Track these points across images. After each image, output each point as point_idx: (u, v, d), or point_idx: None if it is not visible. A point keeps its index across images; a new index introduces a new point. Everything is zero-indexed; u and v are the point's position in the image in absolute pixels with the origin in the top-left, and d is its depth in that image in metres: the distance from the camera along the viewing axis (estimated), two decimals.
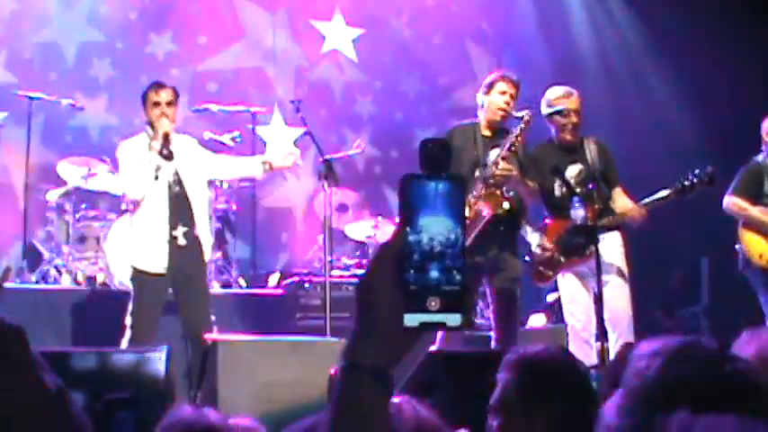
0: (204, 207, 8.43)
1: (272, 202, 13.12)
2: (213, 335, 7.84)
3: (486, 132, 8.16)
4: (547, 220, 8.36)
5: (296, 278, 10.46)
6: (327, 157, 8.96)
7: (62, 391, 1.44)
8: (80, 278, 10.37)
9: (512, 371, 3.31)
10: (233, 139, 11.16)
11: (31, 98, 11.11)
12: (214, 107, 11.59)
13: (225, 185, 11.03)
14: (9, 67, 12.71)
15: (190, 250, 8.15)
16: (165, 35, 13.26)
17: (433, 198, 1.62)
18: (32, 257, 10.79)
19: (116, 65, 13.01)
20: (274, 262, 12.89)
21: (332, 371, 6.01)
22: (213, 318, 8.32)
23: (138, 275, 8.16)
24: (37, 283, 10.30)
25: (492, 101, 8.16)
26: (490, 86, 8.24)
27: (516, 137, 7.98)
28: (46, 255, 10.69)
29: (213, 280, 10.50)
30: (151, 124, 8.17)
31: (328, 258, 9.09)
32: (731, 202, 8.80)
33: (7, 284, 10.03)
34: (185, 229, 8.11)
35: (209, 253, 8.46)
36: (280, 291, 10.60)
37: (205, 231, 8.35)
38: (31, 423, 1.38)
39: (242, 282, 11.03)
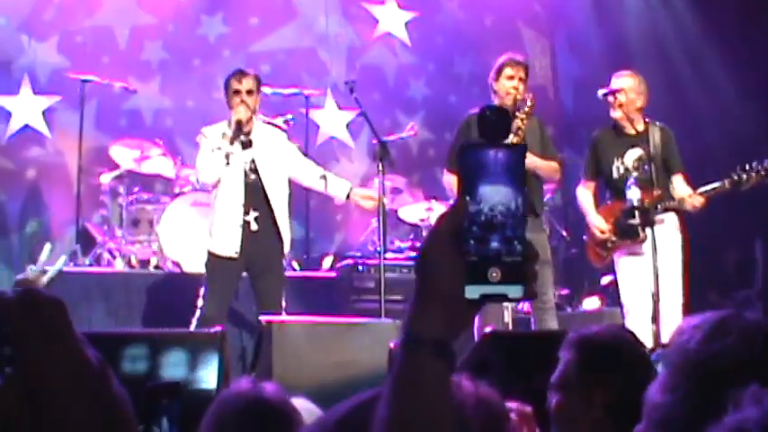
0: (283, 198, 8.44)
1: None
2: (268, 317, 7.80)
3: None
4: (608, 203, 8.45)
5: (350, 261, 10.40)
6: (382, 138, 8.89)
7: (103, 365, 1.41)
8: (133, 261, 10.37)
9: (573, 349, 3.30)
10: (286, 121, 11.12)
11: (84, 81, 11.15)
12: (267, 90, 11.53)
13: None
14: (62, 51, 12.75)
15: (264, 237, 8.20)
16: (216, 17, 13.24)
17: (493, 167, 1.58)
18: (86, 241, 10.83)
19: (168, 47, 13.01)
20: (329, 244, 12.87)
21: (392, 344, 5.98)
22: (284, 304, 8.33)
23: (211, 258, 8.22)
24: (90, 266, 10.32)
25: (501, 86, 8.28)
26: (498, 72, 8.35)
27: (522, 120, 8.03)
28: (99, 238, 10.71)
29: None
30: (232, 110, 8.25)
31: (382, 241, 9.03)
32: None
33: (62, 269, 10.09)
34: (257, 214, 8.16)
35: (287, 243, 8.44)
36: (333, 273, 10.57)
37: (284, 221, 8.36)
38: (72, 394, 1.36)
39: (296, 265, 11.00)
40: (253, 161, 8.21)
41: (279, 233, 8.28)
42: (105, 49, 12.84)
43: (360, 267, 10.17)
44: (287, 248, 8.48)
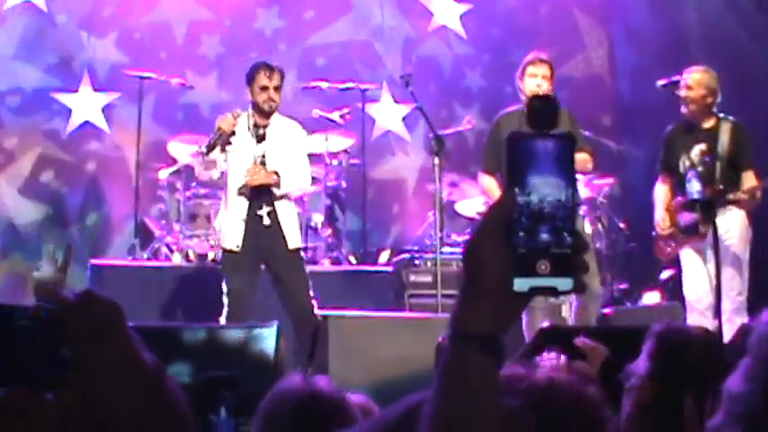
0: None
1: (381, 176, 13.05)
2: (324, 312, 7.82)
3: None
4: (678, 198, 8.44)
5: (406, 255, 10.39)
6: (438, 132, 8.88)
7: (158, 367, 1.41)
8: (191, 255, 10.43)
9: (655, 341, 3.29)
10: (342, 116, 11.16)
11: (141, 77, 11.24)
12: (324, 84, 11.58)
13: (334, 162, 11.02)
14: (120, 47, 12.84)
15: (274, 232, 8.26)
16: (272, 10, 13.27)
17: (542, 157, 1.56)
18: (144, 235, 10.91)
19: (225, 42, 13.06)
20: (385, 237, 12.86)
21: (439, 339, 5.96)
22: (312, 293, 8.38)
23: (225, 254, 8.35)
24: (148, 260, 10.40)
25: (525, 86, 8.42)
26: (522, 71, 8.54)
27: None
28: (157, 232, 10.78)
29: (323, 258, 10.53)
30: (254, 104, 8.33)
31: (439, 235, 9.02)
32: None
33: (115, 262, 10.18)
34: (270, 209, 8.23)
35: (291, 240, 8.43)
36: (390, 267, 10.55)
37: (287, 217, 8.40)
38: (128, 395, 1.37)
39: (352, 259, 11.02)
40: (263, 155, 8.28)
41: (281, 228, 8.31)
42: (163, 45, 12.92)
43: (416, 261, 10.16)
44: (292, 245, 8.43)
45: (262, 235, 8.24)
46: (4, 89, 12.60)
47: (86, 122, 12.61)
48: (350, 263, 10.84)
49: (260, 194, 8.28)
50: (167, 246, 10.52)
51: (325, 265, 10.47)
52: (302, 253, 8.79)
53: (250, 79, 8.43)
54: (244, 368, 5.99)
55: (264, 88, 8.30)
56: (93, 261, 10.33)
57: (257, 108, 8.37)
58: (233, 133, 8.28)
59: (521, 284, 1.53)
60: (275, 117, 8.47)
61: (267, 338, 6.23)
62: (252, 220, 8.23)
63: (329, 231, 10.81)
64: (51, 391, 1.36)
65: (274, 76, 8.38)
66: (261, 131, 8.32)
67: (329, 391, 2.95)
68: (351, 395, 3.21)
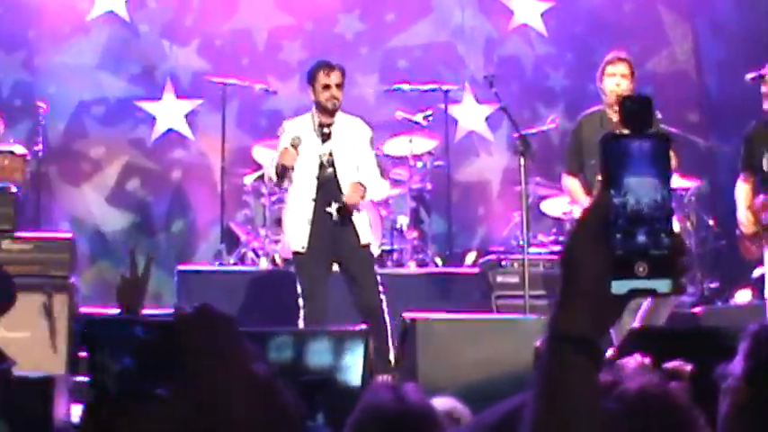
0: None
1: (466, 177, 13.01)
2: (411, 315, 7.80)
3: (613, 117, 8.10)
4: (761, 195, 8.30)
5: (492, 256, 10.34)
6: (523, 132, 8.84)
7: (272, 379, 1.42)
8: (277, 260, 10.46)
9: (750, 341, 3.23)
10: (425, 117, 11.14)
11: (224, 84, 11.32)
12: (406, 86, 11.58)
13: (419, 164, 11.01)
14: (202, 55, 12.94)
15: (345, 228, 8.28)
16: (352, 14, 13.28)
17: (638, 158, 1.54)
18: (230, 240, 10.97)
19: (306, 47, 13.08)
20: (471, 239, 12.81)
21: (537, 342, 5.91)
22: (381, 290, 8.37)
23: (295, 255, 8.38)
24: (235, 265, 10.45)
25: (605, 86, 8.37)
26: (602, 72, 8.49)
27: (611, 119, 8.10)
28: (243, 237, 10.84)
29: (409, 260, 10.52)
30: (317, 103, 8.37)
31: (526, 235, 8.97)
32: None
33: (202, 267, 10.25)
34: (339, 205, 8.23)
35: (364, 237, 8.44)
36: (476, 269, 10.50)
37: (358, 216, 8.40)
38: (241, 408, 1.37)
39: (438, 261, 10.99)
40: (330, 154, 8.30)
41: (353, 224, 8.31)
42: (244, 51, 12.99)
43: (503, 263, 10.10)
44: (363, 240, 8.42)
45: (332, 232, 8.28)
46: (89, 99, 12.75)
47: (170, 130, 12.74)
48: (436, 265, 10.82)
49: (327, 192, 8.30)
50: (254, 250, 10.57)
51: (411, 268, 10.46)
52: (372, 250, 8.74)
53: (311, 79, 8.46)
54: (333, 372, 6.00)
55: (327, 86, 8.32)
56: (180, 267, 10.40)
57: (320, 107, 8.39)
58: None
59: (619, 287, 1.52)
60: (339, 115, 8.50)
61: (357, 342, 6.23)
62: (319, 218, 8.24)
63: (415, 234, 10.81)
64: (167, 401, 1.38)
65: (335, 73, 8.40)
66: (326, 130, 8.35)
67: (417, 399, 2.92)
68: (440, 400, 3.18)
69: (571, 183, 8.66)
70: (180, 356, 1.38)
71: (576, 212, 10.58)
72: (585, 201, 8.27)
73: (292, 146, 8.18)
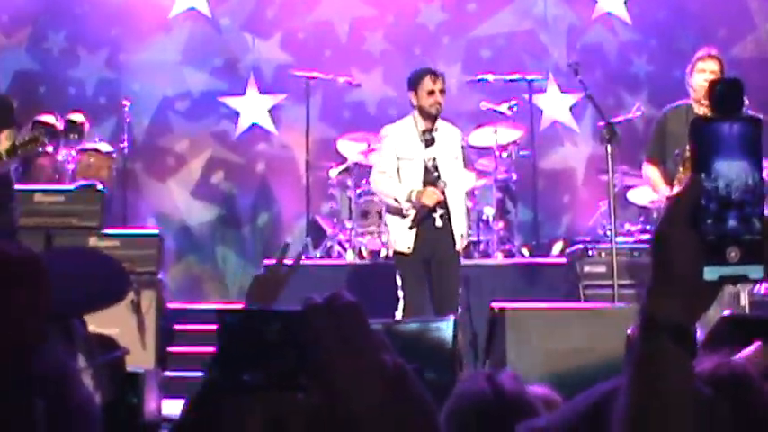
0: (460, 196, 8.62)
1: (551, 166, 12.93)
2: (500, 304, 7.76)
3: (700, 112, 8.00)
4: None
5: (579, 246, 10.24)
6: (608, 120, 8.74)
7: (401, 368, 1.42)
8: (363, 252, 10.45)
9: None
10: (510, 107, 11.07)
11: (308, 77, 11.34)
12: (490, 77, 11.52)
13: (504, 154, 10.95)
14: (285, 48, 12.98)
15: (445, 233, 8.36)
16: (434, 4, 13.26)
17: (728, 141, 1.51)
18: (316, 233, 10.99)
19: (388, 38, 13.07)
20: (557, 228, 12.73)
21: (629, 330, 5.82)
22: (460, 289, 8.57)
23: (398, 256, 8.47)
24: (321, 258, 10.45)
25: (694, 81, 8.25)
26: (692, 68, 8.33)
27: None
28: (329, 230, 10.85)
29: (496, 251, 10.47)
30: (420, 109, 8.43)
31: (613, 224, 8.86)
32: None
33: (288, 261, 10.23)
34: (442, 211, 8.31)
35: (459, 240, 8.52)
36: (563, 259, 10.42)
37: (459, 218, 8.50)
38: (371, 398, 1.38)
39: (525, 251, 10.92)
40: (434, 159, 8.38)
41: (452, 230, 8.41)
42: (327, 44, 13.01)
43: (590, 252, 10.00)
44: (459, 245, 8.53)
45: (433, 235, 8.35)
46: (173, 94, 12.86)
47: (254, 124, 12.80)
48: (522, 255, 10.75)
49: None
50: (339, 243, 10.58)
51: (498, 258, 10.42)
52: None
53: (415, 84, 8.50)
54: (421, 362, 5.98)
55: (431, 92, 8.39)
56: (267, 261, 10.41)
57: (423, 112, 8.44)
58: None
59: (711, 273, 1.49)
60: (439, 121, 8.57)
61: (444, 331, 6.20)
62: (424, 222, 8.33)
63: (501, 224, 10.76)
64: (300, 391, 1.39)
65: (439, 80, 8.48)
66: (429, 136, 8.43)
67: (512, 386, 2.89)
68: (534, 387, 3.15)
69: (651, 171, 8.59)
70: (311, 347, 1.38)
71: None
72: (665, 190, 8.24)
73: (440, 191, 8.33)
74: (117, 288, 1.52)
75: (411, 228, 8.31)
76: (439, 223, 8.32)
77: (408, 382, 1.41)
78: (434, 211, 8.29)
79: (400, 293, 8.37)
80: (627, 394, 1.53)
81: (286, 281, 4.24)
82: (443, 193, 8.31)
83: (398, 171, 8.40)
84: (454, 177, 8.48)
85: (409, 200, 8.28)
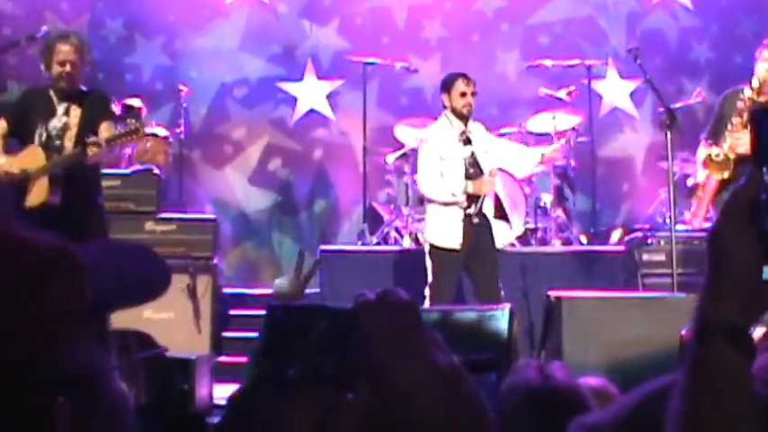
0: (498, 188, 9.14)
1: (611, 154, 12.82)
2: (556, 293, 7.72)
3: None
4: None
5: (638, 234, 10.14)
6: (670, 106, 8.66)
7: (456, 369, 1.38)
8: (420, 239, 10.41)
9: None
10: (569, 93, 10.98)
11: (365, 63, 11.31)
12: (548, 63, 11.44)
13: (562, 141, 10.85)
14: (342, 34, 12.96)
15: (483, 228, 8.64)
16: None
17: None
18: (373, 220, 10.98)
19: (446, 25, 13.01)
20: (616, 216, 12.64)
21: (683, 332, 5.74)
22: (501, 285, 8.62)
23: (434, 250, 8.65)
24: (378, 244, 10.44)
25: (757, 69, 8.39)
26: (759, 54, 8.42)
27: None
28: (386, 217, 10.83)
29: (554, 238, 10.40)
30: (454, 110, 8.75)
31: (673, 212, 8.77)
32: None
33: (345, 247, 10.24)
34: (479, 207, 8.59)
35: (499, 240, 8.94)
36: (622, 247, 10.32)
37: (491, 214, 8.80)
38: (425, 399, 1.34)
39: (583, 239, 10.84)
40: (472, 154, 8.68)
41: (490, 223, 8.74)
42: (384, 30, 12.98)
43: (649, 240, 9.90)
44: (498, 245, 8.90)
45: (472, 232, 8.58)
46: (231, 81, 12.89)
47: (312, 110, 12.80)
48: (580, 243, 10.66)
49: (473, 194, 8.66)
50: (396, 230, 10.55)
51: (556, 246, 10.35)
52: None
53: (449, 87, 8.83)
54: (477, 350, 5.95)
55: (464, 94, 8.72)
56: (323, 247, 10.43)
57: (457, 113, 8.75)
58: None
59: None
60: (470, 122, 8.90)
61: (500, 320, 6.16)
62: (467, 219, 8.59)
63: (559, 211, 10.68)
64: (349, 389, 1.36)
65: (471, 83, 8.80)
66: (465, 135, 8.74)
67: (564, 378, 2.85)
68: (588, 378, 3.11)
69: (700, 151, 8.58)
70: (361, 344, 1.35)
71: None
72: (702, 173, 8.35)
73: (491, 176, 8.70)
74: (157, 283, 1.50)
75: (472, 216, 8.52)
76: (476, 219, 8.59)
77: (462, 381, 1.37)
78: (475, 203, 8.56)
79: (426, 291, 8.56)
80: (682, 398, 1.48)
81: (307, 284, 4.24)
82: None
83: (441, 172, 8.65)
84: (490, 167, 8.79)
85: (465, 192, 8.50)
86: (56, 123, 7.77)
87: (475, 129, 8.88)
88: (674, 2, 13.33)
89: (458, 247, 8.50)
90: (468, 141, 8.71)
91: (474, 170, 8.64)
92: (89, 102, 7.93)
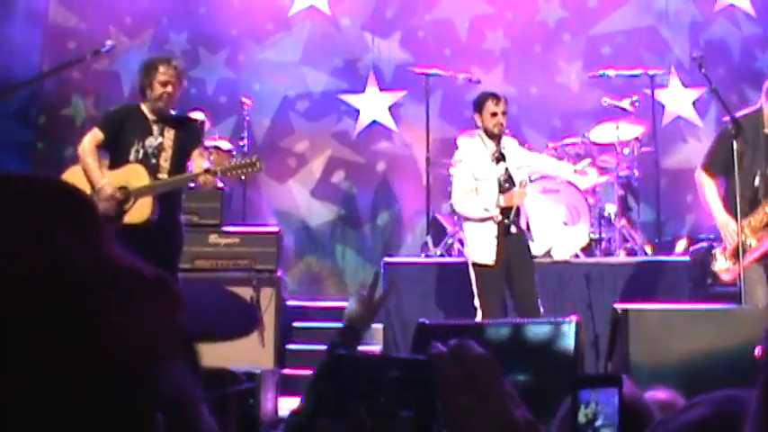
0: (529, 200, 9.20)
1: (674, 164, 12.72)
2: (623, 305, 7.68)
3: None
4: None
5: (704, 243, 10.04)
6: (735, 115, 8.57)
7: (532, 426, 1.38)
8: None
9: None
10: (632, 103, 10.92)
11: (427, 75, 11.31)
12: (611, 72, 11.38)
13: (626, 151, 10.81)
14: (405, 46, 12.99)
15: (519, 238, 8.80)
16: (553, 1, 13.14)
17: None
18: (436, 231, 10.97)
19: (508, 35, 13.00)
20: (680, 226, 12.53)
21: (757, 351, 5.68)
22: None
23: (475, 267, 8.78)
24: (441, 256, 10.43)
25: None
26: None
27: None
28: (449, 228, 10.83)
29: (619, 249, 10.34)
30: (485, 129, 8.96)
31: (741, 222, 8.69)
32: None
33: (409, 259, 10.21)
34: (515, 219, 8.73)
35: (535, 249, 9.07)
36: (687, 257, 10.23)
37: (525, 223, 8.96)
38: None
39: (648, 249, 10.76)
40: (506, 171, 8.86)
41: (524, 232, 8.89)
42: (447, 42, 13.00)
43: (713, 250, 9.81)
44: (534, 253, 9.06)
45: (510, 243, 8.71)
46: (294, 94, 12.96)
47: (374, 122, 12.84)
48: (645, 253, 10.58)
49: (508, 208, 8.78)
50: (460, 241, 10.52)
51: (621, 257, 10.27)
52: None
53: (480, 107, 9.02)
54: (546, 363, 5.94)
55: (494, 114, 8.91)
56: (387, 259, 10.44)
57: (488, 132, 8.95)
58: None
59: None
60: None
61: (567, 333, 6.15)
62: (503, 234, 8.70)
63: (623, 221, 10.62)
64: None
65: (501, 102, 8.99)
66: (498, 154, 8.93)
67: (629, 391, 2.83)
68: (656, 392, 3.09)
69: (703, 178, 8.55)
70: (434, 396, 1.34)
71: None
72: None
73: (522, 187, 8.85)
74: (247, 323, 1.51)
75: (506, 227, 8.68)
76: (513, 229, 8.72)
77: None
78: (508, 217, 8.70)
79: (476, 302, 8.68)
80: (757, 419, 1.45)
81: (378, 311, 4.22)
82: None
83: (476, 190, 8.82)
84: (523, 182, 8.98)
85: (498, 205, 8.69)
86: (152, 142, 7.87)
87: (508, 144, 9.09)
88: (737, 9, 13.22)
89: (491, 262, 8.63)
90: (501, 159, 8.90)
91: (508, 185, 8.82)
92: (183, 126, 8.07)
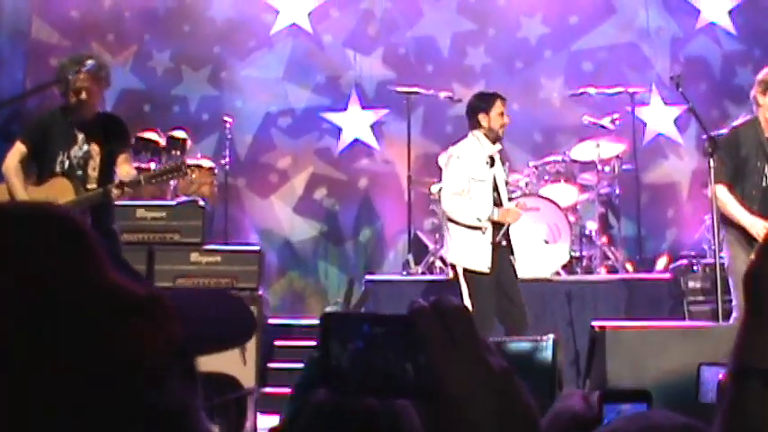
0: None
1: (655, 180, 12.77)
2: (600, 322, 7.70)
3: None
4: None
5: (684, 261, 10.10)
6: (712, 133, 8.62)
7: (508, 373, 1.36)
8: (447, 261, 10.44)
9: None
10: (612, 121, 10.96)
11: (409, 93, 11.33)
12: (592, 90, 11.43)
13: (606, 168, 10.85)
14: (386, 63, 13.01)
15: (507, 250, 8.59)
16: (535, 17, 13.17)
17: None
18: (418, 249, 10.97)
19: (490, 52, 13.03)
20: (661, 243, 12.56)
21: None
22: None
23: (471, 274, 8.51)
24: (422, 274, 10.44)
25: (765, 102, 8.02)
26: (766, 87, 8.04)
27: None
28: (431, 246, 10.83)
29: (599, 266, 10.37)
30: (490, 131, 8.64)
31: (718, 239, 8.73)
32: None
33: (390, 277, 10.22)
34: (503, 229, 8.54)
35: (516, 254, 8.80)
36: (667, 275, 10.28)
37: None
38: (479, 402, 1.33)
39: (629, 266, 10.79)
40: (494, 179, 8.63)
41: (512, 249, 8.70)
42: (428, 58, 13.03)
43: (694, 267, 9.86)
44: (515, 262, 8.74)
45: (499, 254, 8.52)
46: (276, 111, 12.97)
47: (356, 140, 12.85)
48: (626, 270, 10.61)
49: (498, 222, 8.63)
50: (441, 259, 10.54)
51: (602, 274, 10.30)
52: None
53: (488, 107, 8.67)
54: (524, 380, 5.96)
55: (502, 114, 8.64)
56: (368, 276, 10.45)
57: (493, 134, 8.65)
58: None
59: None
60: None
61: (545, 350, 6.17)
62: (496, 241, 8.51)
63: (604, 239, 10.66)
64: (405, 396, 1.38)
65: (506, 103, 8.77)
66: (491, 157, 8.66)
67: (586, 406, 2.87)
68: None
69: (720, 190, 8.45)
70: (413, 349, 1.35)
71: None
72: None
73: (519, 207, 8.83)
74: (243, 327, 1.53)
75: (493, 245, 8.44)
76: (503, 242, 8.54)
77: (514, 382, 1.37)
78: (499, 231, 8.50)
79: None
80: None
81: None
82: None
83: (469, 191, 8.53)
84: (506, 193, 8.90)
85: (491, 218, 8.44)
86: (77, 152, 7.58)
87: (498, 153, 8.82)
88: (717, 27, 13.28)
89: (487, 270, 8.42)
90: (492, 163, 8.63)
91: (495, 194, 8.60)
92: (109, 131, 7.73)
